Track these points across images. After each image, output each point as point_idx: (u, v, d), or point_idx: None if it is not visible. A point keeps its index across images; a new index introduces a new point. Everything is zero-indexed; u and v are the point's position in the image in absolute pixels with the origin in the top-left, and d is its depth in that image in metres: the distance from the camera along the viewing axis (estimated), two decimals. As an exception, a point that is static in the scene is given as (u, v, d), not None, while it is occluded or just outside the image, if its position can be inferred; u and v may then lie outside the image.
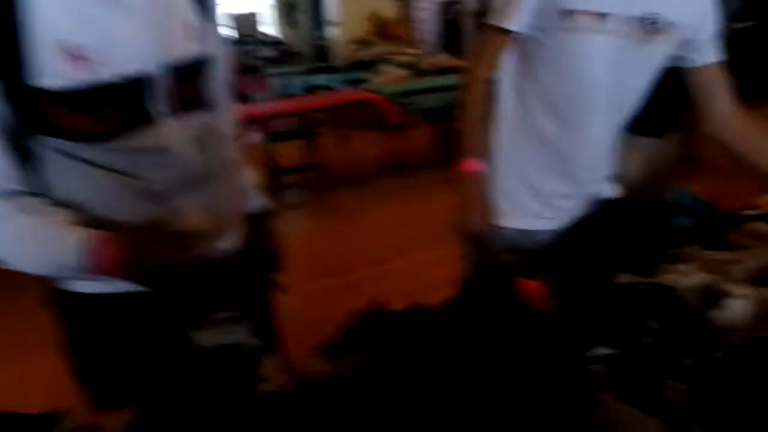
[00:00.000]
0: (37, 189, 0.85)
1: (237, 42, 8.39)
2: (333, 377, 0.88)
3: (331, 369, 0.91)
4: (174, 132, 0.89)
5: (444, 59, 6.13)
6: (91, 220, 0.85)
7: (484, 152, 1.26)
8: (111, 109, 0.82)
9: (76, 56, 0.78)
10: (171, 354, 0.94)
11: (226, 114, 1.08)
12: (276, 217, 1.25)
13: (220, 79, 1.03)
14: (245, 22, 8.49)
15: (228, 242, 1.05)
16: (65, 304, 0.97)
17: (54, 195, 0.86)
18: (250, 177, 1.18)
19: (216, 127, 1.00)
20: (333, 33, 8.79)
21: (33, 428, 0.82)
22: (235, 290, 1.03)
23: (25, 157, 0.83)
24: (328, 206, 4.29)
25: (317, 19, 9.41)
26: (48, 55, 0.76)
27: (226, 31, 8.60)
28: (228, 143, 1.07)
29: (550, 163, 1.25)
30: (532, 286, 0.99)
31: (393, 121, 4.18)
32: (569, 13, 1.12)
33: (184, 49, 0.91)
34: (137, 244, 0.81)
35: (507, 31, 1.17)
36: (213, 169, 0.97)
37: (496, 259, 1.25)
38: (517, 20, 1.15)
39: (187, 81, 0.91)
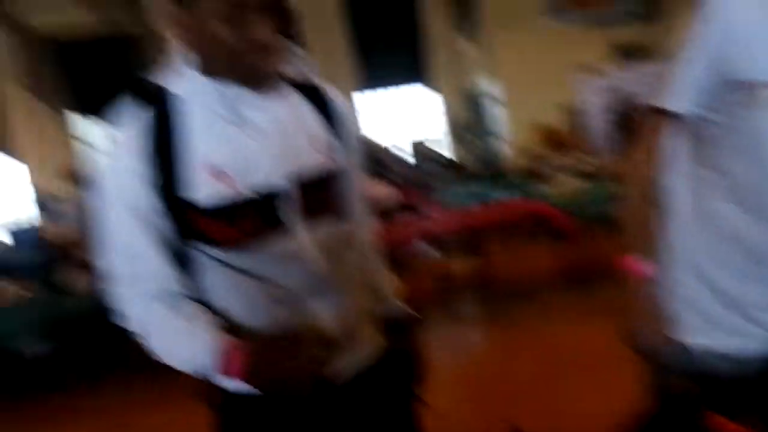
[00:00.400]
0: (191, 292, 0.96)
1: (413, 164, 9.05)
2: None
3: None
4: (304, 239, 0.97)
5: (617, 163, 5.87)
6: (229, 325, 0.94)
7: (653, 251, 1.09)
8: (249, 220, 0.93)
9: (220, 175, 0.91)
10: None
11: (362, 223, 1.14)
12: (420, 326, 1.21)
13: (352, 190, 1.09)
14: (420, 146, 9.16)
15: (362, 352, 1.06)
16: (214, 399, 1.03)
17: (204, 297, 0.97)
18: (391, 285, 1.19)
19: (346, 234, 1.05)
20: (501, 146, 9.06)
21: None
22: (373, 403, 1.05)
23: (182, 263, 0.96)
24: (499, 320, 4.18)
25: (486, 134, 9.83)
26: (198, 175, 0.90)
27: (404, 155, 9.39)
28: (362, 251, 1.12)
29: (744, 265, 1.02)
30: (730, 429, 0.82)
31: (567, 232, 4.04)
32: (746, 85, 0.95)
33: (311, 161, 0.98)
34: (262, 353, 0.87)
35: (673, 114, 1.03)
36: (343, 276, 1.02)
37: (679, 388, 1.05)
38: (683, 100, 1.01)
39: (316, 191, 0.98)
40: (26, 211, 9.70)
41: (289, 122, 0.97)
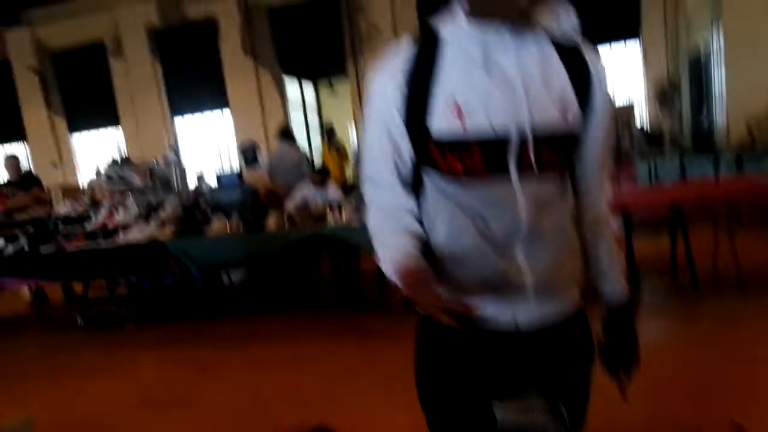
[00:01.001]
0: (415, 209, 1.07)
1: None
2: None
3: None
4: (520, 190, 0.99)
5: None
6: (426, 247, 1.02)
7: None
8: (474, 159, 0.98)
9: (459, 112, 0.97)
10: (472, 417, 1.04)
11: (594, 194, 1.13)
12: (636, 313, 1.16)
13: (589, 158, 1.10)
14: (621, 114, 8.27)
15: (554, 307, 1.07)
16: (417, 321, 1.11)
17: (426, 217, 1.06)
18: (616, 262, 1.16)
19: (565, 196, 1.07)
20: (719, 113, 7.72)
21: None
22: (552, 358, 1.08)
23: (414, 182, 1.06)
24: (694, 317, 3.61)
25: (700, 99, 8.48)
26: (440, 108, 0.98)
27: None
28: (590, 219, 1.13)
29: None
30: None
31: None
32: None
33: (548, 117, 0.99)
34: (420, 280, 0.92)
35: None
36: (552, 233, 1.04)
37: None
38: None
39: (545, 147, 0.99)
40: (231, 159, 11.16)
41: (537, 75, 0.99)
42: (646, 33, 9.02)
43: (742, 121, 7.21)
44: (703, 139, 8.23)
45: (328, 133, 8.63)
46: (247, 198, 4.90)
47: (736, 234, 3.77)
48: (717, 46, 7.45)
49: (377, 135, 1.04)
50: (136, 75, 10.71)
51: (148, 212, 4.85)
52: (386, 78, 1.02)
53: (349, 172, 8.60)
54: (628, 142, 7.79)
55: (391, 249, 1.01)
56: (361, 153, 1.14)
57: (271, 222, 4.46)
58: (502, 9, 0.95)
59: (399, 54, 1.02)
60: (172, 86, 10.85)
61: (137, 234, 4.70)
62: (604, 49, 9.39)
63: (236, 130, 10.66)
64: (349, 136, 11.32)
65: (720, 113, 7.68)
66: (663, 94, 9.06)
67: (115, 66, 10.84)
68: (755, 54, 6.97)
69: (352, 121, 10.68)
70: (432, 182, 1.04)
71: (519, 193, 0.99)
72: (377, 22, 9.75)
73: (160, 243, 4.55)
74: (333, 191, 5.18)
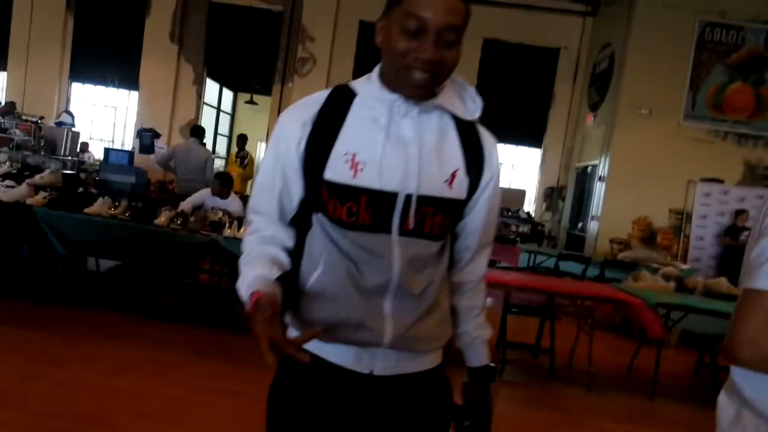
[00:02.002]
0: (292, 245, 1.10)
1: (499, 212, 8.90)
2: None
3: None
4: (400, 247, 1.04)
5: (718, 283, 5.44)
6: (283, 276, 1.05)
7: None
8: (362, 210, 1.03)
9: (355, 164, 1.03)
10: None
11: (471, 264, 1.19)
12: (492, 382, 1.22)
13: (473, 231, 1.16)
14: (511, 197, 9.02)
15: (411, 360, 1.11)
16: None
17: (308, 256, 1.09)
18: (480, 330, 1.22)
19: (440, 259, 1.11)
20: (592, 226, 8.71)
21: None
22: (404, 408, 1.11)
23: (304, 225, 1.10)
24: (545, 399, 3.91)
25: (579, 210, 9.52)
26: (339, 159, 1.03)
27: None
28: (463, 287, 1.19)
29: None
30: None
31: (651, 333, 3.74)
32: None
33: (440, 187, 1.06)
34: (265, 311, 0.91)
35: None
36: (422, 292, 1.08)
37: None
38: None
39: (432, 213, 1.05)
40: (124, 143, 10.38)
41: (432, 144, 1.06)
42: (547, 144, 10.18)
43: (608, 237, 8.20)
44: (574, 243, 9.17)
45: (239, 140, 8.38)
46: (140, 183, 4.56)
47: (593, 331, 4.19)
48: (602, 171, 8.49)
49: (272, 170, 1.09)
50: (42, 23, 9.72)
51: (22, 172, 4.32)
52: (294, 121, 1.06)
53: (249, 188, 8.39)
54: (515, 224, 8.46)
55: (250, 273, 1.03)
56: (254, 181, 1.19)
57: (163, 217, 4.18)
58: (404, 85, 1.01)
59: (313, 103, 1.08)
60: (79, 48, 10.00)
61: (1, 193, 4.15)
62: (511, 147, 10.41)
63: (140, 115, 9.98)
64: (258, 152, 11.08)
65: (592, 226, 8.66)
66: (550, 197, 10.06)
67: (19, 3, 9.76)
68: (630, 187, 8.07)
69: (265, 138, 10.50)
70: (319, 224, 1.08)
71: (396, 250, 1.04)
72: (315, 53, 9.84)
73: (27, 207, 4.05)
74: (234, 202, 5.00)
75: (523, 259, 6.90)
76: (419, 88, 1.00)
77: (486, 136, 1.13)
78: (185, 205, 4.69)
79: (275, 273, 1.03)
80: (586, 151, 9.52)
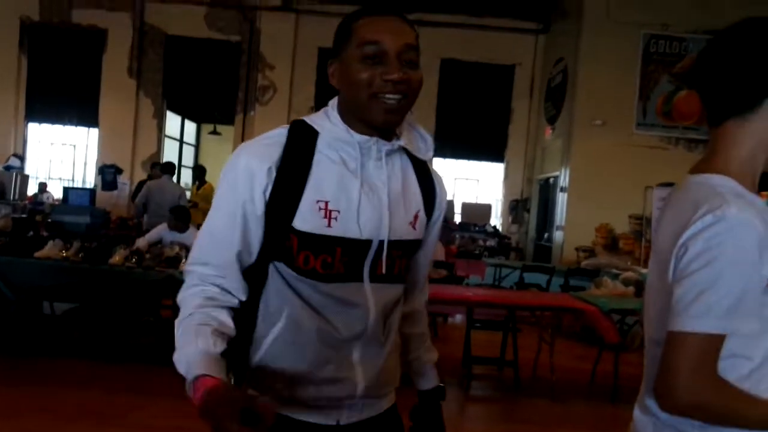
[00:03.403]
0: (247, 298, 1.01)
1: (464, 228, 9.00)
2: None
3: None
4: (369, 294, 1.02)
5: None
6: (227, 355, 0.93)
7: None
8: (336, 260, 0.99)
9: (328, 212, 0.98)
10: None
11: (422, 292, 1.22)
12: (442, 400, 1.24)
13: (423, 262, 1.19)
14: (477, 212, 9.14)
15: (376, 404, 1.10)
16: None
17: (264, 310, 1.02)
18: (429, 354, 1.24)
19: (400, 298, 1.11)
20: (557, 236, 8.86)
21: None
22: None
23: (258, 274, 1.02)
24: (510, 412, 3.94)
25: (544, 221, 9.68)
26: (305, 203, 0.98)
27: (456, 217, 9.35)
28: (414, 317, 1.20)
29: None
30: None
31: (607, 339, 3.81)
32: None
33: (403, 227, 1.05)
34: (218, 398, 0.80)
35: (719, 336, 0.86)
36: (386, 334, 1.07)
37: None
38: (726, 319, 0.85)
39: (400, 255, 1.06)
40: (85, 181, 10.23)
41: (398, 187, 1.05)
42: (510, 158, 10.39)
43: (573, 246, 8.35)
44: (541, 253, 9.31)
45: (198, 173, 8.34)
46: (96, 223, 4.50)
47: (555, 341, 4.26)
48: (563, 182, 8.69)
49: (229, 216, 0.99)
50: (-6, 63, 9.60)
51: (-31, 217, 4.23)
52: (256, 162, 0.97)
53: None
54: (481, 239, 8.55)
55: (191, 346, 0.91)
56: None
57: (118, 256, 4.12)
58: (374, 113, 0.98)
59: (274, 144, 1.00)
60: (34, 88, 9.87)
61: (-52, 240, 4.05)
62: (474, 163, 10.59)
63: (101, 152, 9.86)
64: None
65: (558, 236, 8.82)
66: (516, 210, 10.21)
67: (-29, 44, 9.64)
68: (590, 196, 8.26)
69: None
70: (279, 276, 1.01)
71: (370, 297, 1.02)
72: (275, 81, 9.91)
73: (-26, 254, 3.96)
74: (193, 237, 4.95)
75: (489, 273, 6.98)
76: (392, 112, 0.97)
77: (434, 172, 1.14)
78: (141, 242, 4.63)
79: (219, 347, 0.92)
80: (546, 163, 9.73)
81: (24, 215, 4.37)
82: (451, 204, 8.96)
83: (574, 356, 4.92)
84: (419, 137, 1.09)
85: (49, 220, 4.38)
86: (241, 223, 0.98)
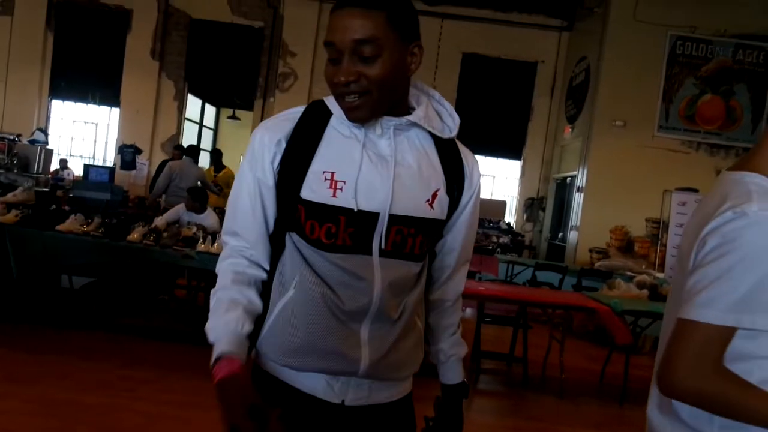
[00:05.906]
0: (272, 267, 1.06)
1: (478, 223, 8.97)
2: None
3: None
4: (381, 268, 1.01)
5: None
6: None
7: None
8: (341, 230, 0.99)
9: (334, 182, 0.99)
10: None
11: (451, 281, 1.17)
12: (465, 398, 1.23)
13: (453, 248, 1.14)
14: (491, 208, 9.10)
15: (385, 388, 1.08)
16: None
17: (280, 278, 1.05)
18: (455, 348, 1.20)
19: (418, 280, 1.08)
20: (572, 236, 8.81)
21: None
22: None
23: (277, 244, 1.06)
24: (517, 407, 3.95)
25: (559, 220, 9.62)
26: (316, 178, 1.00)
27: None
28: (441, 306, 1.17)
29: None
30: None
31: (618, 340, 3.80)
32: None
33: (414, 204, 1.03)
34: (233, 388, 0.89)
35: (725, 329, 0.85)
36: (399, 314, 1.05)
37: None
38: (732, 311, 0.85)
39: (413, 233, 1.03)
40: (105, 160, 10.36)
41: (411, 162, 1.04)
42: (527, 156, 10.30)
43: (587, 247, 8.30)
44: (555, 253, 9.26)
45: (215, 157, 8.40)
46: (116, 200, 4.56)
47: (566, 340, 4.25)
48: (580, 182, 8.62)
49: (249, 188, 1.04)
50: (21, 40, 9.70)
51: (-6, 189, 4.31)
52: (269, 137, 1.03)
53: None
54: (495, 235, 8.52)
55: (221, 320, 0.98)
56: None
57: (136, 233, 4.18)
58: (343, 110, 1.00)
59: (287, 119, 1.05)
60: (59, 66, 9.99)
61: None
62: (492, 159, 10.53)
63: (121, 132, 9.97)
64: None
65: (572, 236, 8.76)
66: (531, 208, 10.16)
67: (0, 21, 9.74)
68: (607, 197, 8.19)
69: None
70: (293, 245, 1.04)
71: (377, 272, 1.00)
72: (296, 68, 9.92)
73: (-2, 225, 4.04)
74: (210, 217, 5.02)
75: (502, 269, 6.96)
76: (352, 110, 0.98)
77: (466, 153, 1.11)
78: (159, 220, 4.69)
79: (247, 328, 0.99)
80: (564, 163, 9.65)
81: (47, 189, 4.44)
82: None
83: (584, 356, 4.91)
84: (445, 114, 1.08)
85: (71, 195, 4.45)
86: (258, 194, 1.04)
